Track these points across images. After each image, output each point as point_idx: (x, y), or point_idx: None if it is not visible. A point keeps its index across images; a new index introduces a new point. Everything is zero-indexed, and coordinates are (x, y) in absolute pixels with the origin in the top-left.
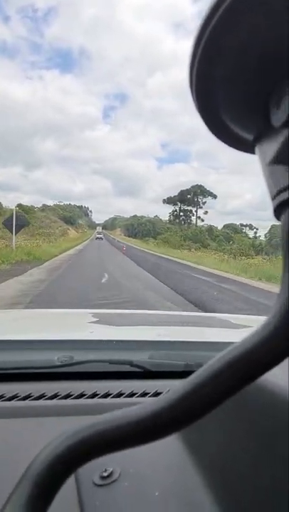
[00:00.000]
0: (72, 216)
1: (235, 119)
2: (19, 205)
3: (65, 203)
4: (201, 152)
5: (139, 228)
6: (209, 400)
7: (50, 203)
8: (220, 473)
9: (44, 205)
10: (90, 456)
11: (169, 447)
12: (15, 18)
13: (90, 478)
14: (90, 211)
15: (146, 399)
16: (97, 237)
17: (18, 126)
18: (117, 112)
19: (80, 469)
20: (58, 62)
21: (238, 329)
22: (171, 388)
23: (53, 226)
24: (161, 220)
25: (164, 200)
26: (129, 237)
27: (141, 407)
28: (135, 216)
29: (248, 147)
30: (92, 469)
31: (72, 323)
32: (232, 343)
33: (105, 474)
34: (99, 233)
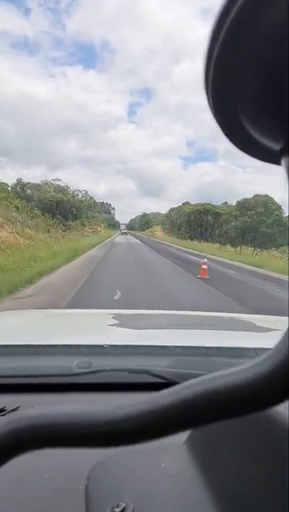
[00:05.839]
0: (76, 204)
1: (259, 126)
2: None
3: (79, 189)
4: (228, 150)
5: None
6: (173, 424)
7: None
8: (237, 506)
9: (28, 183)
10: (29, 446)
11: (185, 478)
12: (36, 11)
13: None
14: (113, 208)
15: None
16: (123, 233)
17: (39, 126)
18: (142, 108)
19: (90, 503)
20: (81, 58)
21: (263, 333)
22: (141, 398)
23: None
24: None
25: None
26: (205, 242)
27: (102, 408)
28: (186, 203)
29: (273, 158)
30: (104, 503)
31: (91, 325)
32: (255, 348)
33: (117, 510)
34: (123, 230)
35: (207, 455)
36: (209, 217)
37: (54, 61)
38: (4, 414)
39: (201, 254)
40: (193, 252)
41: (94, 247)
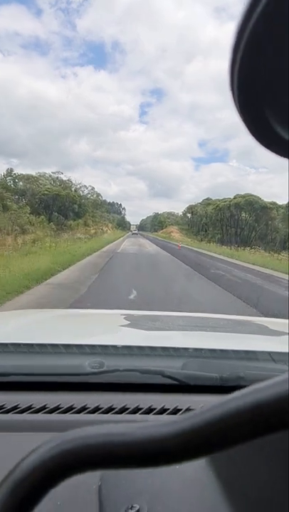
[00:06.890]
0: (79, 201)
1: (282, 119)
2: None
3: (86, 185)
4: (241, 150)
5: None
6: (212, 443)
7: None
8: (253, 509)
9: (20, 175)
10: (77, 469)
11: (200, 480)
12: (48, 12)
13: None
14: (124, 208)
15: (177, 417)
16: (133, 233)
17: (50, 127)
18: (153, 109)
19: (104, 504)
20: (92, 58)
21: (276, 336)
22: (179, 417)
23: None
24: None
25: None
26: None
27: (141, 428)
28: (208, 199)
29: None
30: (118, 505)
31: (104, 326)
32: (270, 352)
33: None
34: (134, 231)
35: (222, 457)
36: (247, 215)
37: (65, 62)
38: (5, 412)
39: None
40: None
41: (43, 282)
